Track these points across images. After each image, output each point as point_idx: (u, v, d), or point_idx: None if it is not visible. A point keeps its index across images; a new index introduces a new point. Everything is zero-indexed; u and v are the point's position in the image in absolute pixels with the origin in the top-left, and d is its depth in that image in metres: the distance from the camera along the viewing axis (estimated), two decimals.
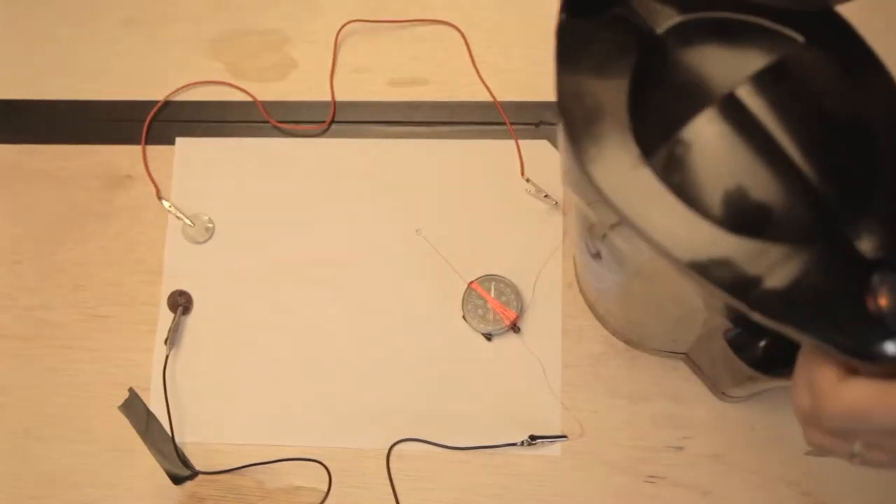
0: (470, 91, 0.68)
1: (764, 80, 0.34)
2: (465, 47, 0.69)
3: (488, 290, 0.63)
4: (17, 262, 0.68)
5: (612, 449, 0.60)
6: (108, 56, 0.72)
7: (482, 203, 0.65)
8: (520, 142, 0.66)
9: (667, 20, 0.36)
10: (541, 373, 0.62)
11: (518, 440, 0.60)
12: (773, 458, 0.59)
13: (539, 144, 0.66)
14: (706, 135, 0.34)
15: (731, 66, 0.35)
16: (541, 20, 0.69)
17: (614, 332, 0.61)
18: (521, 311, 0.62)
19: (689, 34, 0.36)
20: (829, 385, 0.32)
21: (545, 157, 0.66)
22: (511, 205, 0.65)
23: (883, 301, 0.30)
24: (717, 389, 0.58)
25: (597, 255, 0.46)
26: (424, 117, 0.68)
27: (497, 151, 0.66)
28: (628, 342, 0.61)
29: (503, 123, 0.67)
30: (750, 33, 0.36)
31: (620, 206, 0.34)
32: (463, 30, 0.69)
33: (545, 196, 0.64)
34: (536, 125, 0.67)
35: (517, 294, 0.63)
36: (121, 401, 0.62)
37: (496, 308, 0.62)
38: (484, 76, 0.68)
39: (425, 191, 0.66)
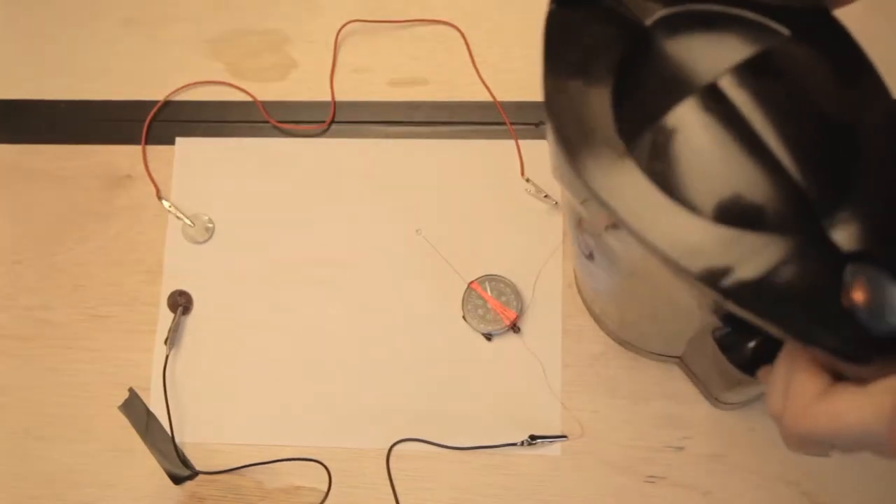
0: (470, 91, 0.68)
1: (746, 72, 0.34)
2: (465, 47, 0.69)
3: (488, 290, 0.63)
4: (17, 262, 0.68)
5: (612, 449, 0.60)
6: (108, 56, 0.72)
7: (482, 203, 0.65)
8: (520, 142, 0.66)
9: (655, 12, 0.37)
10: (541, 373, 0.62)
11: (518, 440, 0.60)
12: (773, 458, 0.59)
13: (539, 144, 0.66)
14: (686, 123, 0.34)
15: (715, 58, 0.35)
16: (541, 20, 0.69)
17: (609, 334, 0.61)
18: (521, 311, 0.62)
19: (675, 26, 0.36)
20: (804, 401, 0.31)
21: (545, 157, 0.65)
22: (511, 205, 0.65)
23: (857, 295, 0.30)
24: (711, 395, 0.58)
25: (590, 256, 0.46)
26: (424, 117, 0.68)
27: (497, 151, 0.66)
28: (623, 344, 0.61)
29: (503, 123, 0.67)
30: (737, 26, 0.36)
31: (603, 196, 0.34)
32: (463, 30, 0.69)
33: (545, 196, 0.64)
34: (536, 125, 0.67)
35: (517, 294, 0.63)
36: (121, 401, 0.62)
37: (496, 308, 0.62)
38: (484, 76, 0.68)
39: (425, 191, 0.66)
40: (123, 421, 0.62)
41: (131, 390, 0.63)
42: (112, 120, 0.70)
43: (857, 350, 0.30)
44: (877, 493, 0.58)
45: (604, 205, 0.34)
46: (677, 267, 0.32)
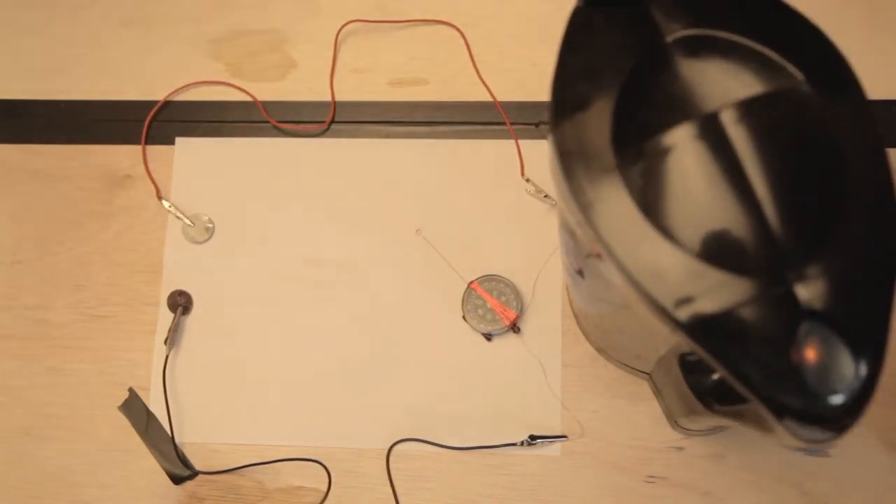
0: (470, 91, 0.68)
1: (750, 109, 0.34)
2: (465, 47, 0.69)
3: (488, 290, 0.63)
4: (17, 262, 0.68)
5: (612, 449, 0.60)
6: (108, 56, 0.72)
7: (482, 203, 0.65)
8: (520, 142, 0.66)
9: (678, 30, 0.36)
10: (541, 373, 0.62)
11: (518, 440, 0.60)
12: (773, 458, 0.59)
13: (539, 144, 0.66)
14: (678, 146, 0.34)
15: (724, 88, 0.35)
16: (541, 20, 0.69)
17: (587, 337, 0.61)
18: (521, 311, 0.62)
19: (695, 48, 0.36)
20: None
21: (545, 157, 0.65)
22: (511, 205, 0.65)
23: (810, 354, 0.30)
24: (671, 417, 0.58)
25: (580, 273, 0.46)
26: (424, 117, 0.68)
27: (497, 151, 0.66)
28: (599, 350, 0.61)
29: (503, 123, 0.67)
30: (754, 61, 0.35)
31: (582, 199, 0.34)
32: (463, 30, 0.69)
33: (545, 196, 0.64)
34: (536, 125, 0.66)
35: (517, 294, 0.63)
36: (121, 401, 0.62)
37: (496, 308, 0.62)
38: (484, 76, 0.68)
39: (425, 191, 0.66)
40: (123, 421, 0.62)
41: (131, 390, 0.63)
42: (112, 120, 0.70)
43: (789, 403, 0.30)
44: (877, 493, 0.58)
45: (580, 206, 0.34)
46: (639, 288, 0.32)
